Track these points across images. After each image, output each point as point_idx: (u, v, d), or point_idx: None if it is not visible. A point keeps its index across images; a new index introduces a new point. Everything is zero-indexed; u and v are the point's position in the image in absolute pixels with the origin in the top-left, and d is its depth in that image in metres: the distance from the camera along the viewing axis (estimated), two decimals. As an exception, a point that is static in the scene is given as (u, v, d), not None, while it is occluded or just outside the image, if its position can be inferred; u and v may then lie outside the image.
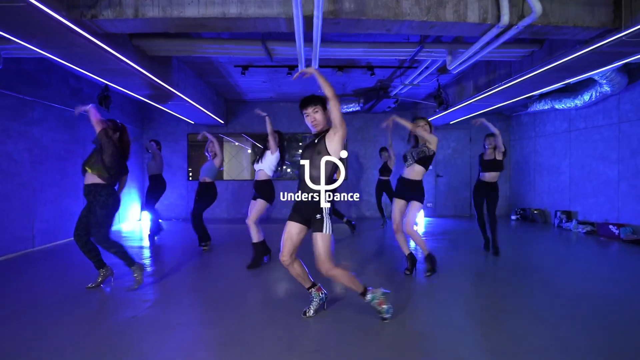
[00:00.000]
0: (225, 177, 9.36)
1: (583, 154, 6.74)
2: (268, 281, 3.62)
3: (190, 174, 8.84)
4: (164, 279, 3.63)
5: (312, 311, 2.63)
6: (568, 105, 6.58)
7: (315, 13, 2.85)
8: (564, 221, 6.93)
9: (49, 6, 2.66)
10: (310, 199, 2.42)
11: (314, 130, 2.50)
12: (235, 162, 11.71)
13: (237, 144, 11.51)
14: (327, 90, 2.34)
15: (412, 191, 3.64)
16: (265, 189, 4.05)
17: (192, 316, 2.74)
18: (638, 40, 3.27)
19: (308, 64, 4.42)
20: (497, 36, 3.40)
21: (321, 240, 2.38)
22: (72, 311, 2.80)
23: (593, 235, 6.08)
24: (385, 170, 6.83)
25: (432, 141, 3.59)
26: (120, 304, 2.98)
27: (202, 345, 2.28)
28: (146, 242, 5.66)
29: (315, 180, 2.42)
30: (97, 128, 3.15)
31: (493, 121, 8.70)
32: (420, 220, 7.93)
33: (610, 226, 5.81)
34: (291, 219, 2.52)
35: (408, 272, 3.70)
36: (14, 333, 2.43)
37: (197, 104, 6.22)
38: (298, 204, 2.49)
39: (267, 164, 4.06)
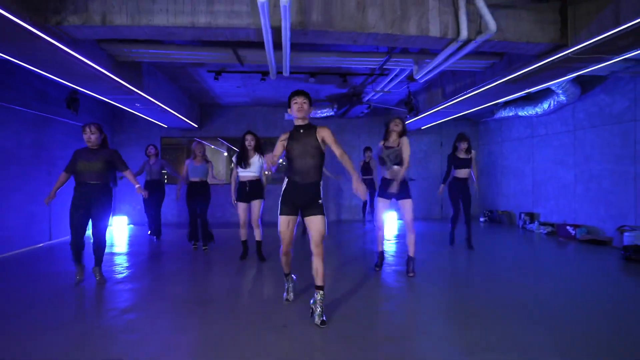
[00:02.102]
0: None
1: (544, 158, 7.15)
2: (247, 285, 3.66)
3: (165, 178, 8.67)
4: (143, 285, 3.59)
5: (292, 295, 3.07)
6: (530, 112, 6.96)
7: (282, 24, 2.93)
8: (527, 222, 7.31)
9: (10, 11, 2.61)
10: (313, 186, 2.64)
11: (296, 116, 2.67)
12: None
13: (212, 147, 11.39)
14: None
15: (400, 191, 3.83)
16: (259, 189, 4.46)
17: (168, 322, 2.74)
18: (584, 57, 3.55)
19: (279, 71, 4.49)
20: (459, 49, 3.59)
21: (322, 221, 2.64)
22: (40, 318, 2.74)
23: (553, 236, 6.46)
24: (367, 169, 7.13)
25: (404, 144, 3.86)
26: (92, 310, 2.94)
27: (176, 351, 2.30)
28: (121, 248, 5.55)
29: (317, 168, 2.64)
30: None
31: (462, 126, 9.24)
32: (392, 222, 8.14)
33: (568, 227, 6.18)
34: (286, 212, 2.69)
35: (378, 269, 4.02)
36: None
37: (170, 108, 6.16)
38: (295, 193, 2.65)
39: (257, 167, 4.44)
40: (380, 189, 4.00)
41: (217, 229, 7.48)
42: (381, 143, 3.99)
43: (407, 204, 3.85)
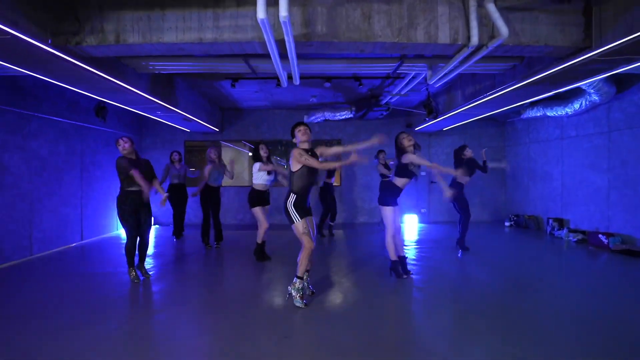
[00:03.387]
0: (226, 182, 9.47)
1: (574, 162, 6.73)
2: (269, 291, 3.74)
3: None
4: (164, 287, 3.78)
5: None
6: (559, 112, 6.58)
7: (286, 38, 2.95)
8: (555, 229, 6.93)
9: (33, 37, 2.80)
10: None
11: (301, 139, 3.32)
12: (237, 167, 11.83)
13: (237, 148, 11.64)
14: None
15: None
16: (266, 197, 4.95)
17: (191, 323, 2.86)
18: (610, 59, 3.30)
19: (290, 77, 4.52)
20: (471, 55, 3.46)
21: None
22: (67, 317, 2.94)
23: (583, 244, 6.08)
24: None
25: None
26: (118, 312, 3.13)
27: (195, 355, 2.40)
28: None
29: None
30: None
31: (487, 126, 8.89)
32: (412, 226, 7.98)
33: (600, 235, 5.80)
34: (304, 215, 3.28)
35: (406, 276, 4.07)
36: (20, 337, 2.60)
37: (190, 115, 6.37)
38: (305, 202, 3.30)
39: (268, 178, 4.87)
40: (393, 197, 3.93)
41: (236, 231, 7.68)
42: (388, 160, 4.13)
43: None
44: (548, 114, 6.84)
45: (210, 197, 5.67)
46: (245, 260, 5.01)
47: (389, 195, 3.91)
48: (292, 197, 3.23)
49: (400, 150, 3.92)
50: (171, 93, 5.59)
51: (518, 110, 7.57)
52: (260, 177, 4.75)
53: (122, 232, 7.64)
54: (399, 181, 3.87)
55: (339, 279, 4.08)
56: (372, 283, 3.94)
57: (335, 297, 3.49)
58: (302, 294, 3.22)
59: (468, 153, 5.38)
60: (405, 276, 4.01)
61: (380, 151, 7.11)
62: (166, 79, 5.46)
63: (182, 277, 4.24)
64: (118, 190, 3.92)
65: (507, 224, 8.30)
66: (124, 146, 3.86)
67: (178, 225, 6.67)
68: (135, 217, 3.87)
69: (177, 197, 6.50)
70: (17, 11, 2.65)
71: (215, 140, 8.89)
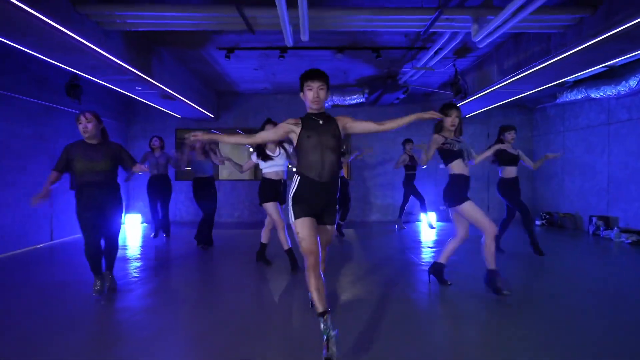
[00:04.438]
0: (220, 177, 8.57)
1: (626, 150, 5.77)
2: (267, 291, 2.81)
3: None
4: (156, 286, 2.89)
5: (334, 349, 1.79)
6: (608, 93, 5.61)
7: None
8: (601, 228, 5.98)
9: None
10: (333, 185, 2.17)
11: (310, 107, 2.18)
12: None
13: (227, 156, 10.71)
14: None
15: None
16: (280, 189, 3.84)
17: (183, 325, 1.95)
18: None
19: (296, 38, 3.58)
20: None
21: (332, 230, 2.31)
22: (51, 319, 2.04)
23: (640, 246, 5.13)
24: (411, 163, 6.35)
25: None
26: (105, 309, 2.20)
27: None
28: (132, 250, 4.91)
29: (335, 165, 2.15)
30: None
31: (513, 114, 7.91)
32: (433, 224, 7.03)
33: (664, 236, 4.86)
34: (304, 214, 2.10)
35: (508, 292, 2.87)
36: None
37: (177, 93, 5.44)
38: (312, 192, 2.12)
39: (283, 160, 3.85)
40: (461, 193, 2.96)
41: (231, 230, 6.76)
42: (440, 139, 3.00)
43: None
44: (592, 95, 5.88)
45: (198, 190, 4.78)
46: (240, 269, 4.07)
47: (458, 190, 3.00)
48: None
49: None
50: (152, 63, 4.66)
51: (554, 93, 6.62)
52: (267, 165, 3.73)
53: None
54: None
55: (357, 288, 3.15)
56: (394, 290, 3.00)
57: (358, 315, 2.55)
58: (327, 340, 1.82)
59: (509, 137, 4.21)
60: (505, 292, 2.83)
61: (408, 140, 6.25)
62: (146, 46, 4.54)
63: (152, 291, 3.29)
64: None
65: (538, 222, 7.34)
66: (85, 126, 2.87)
67: (166, 223, 5.78)
68: (96, 213, 2.90)
69: (155, 189, 5.56)
70: None
71: (209, 128, 7.95)
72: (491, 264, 2.90)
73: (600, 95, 5.77)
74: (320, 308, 1.88)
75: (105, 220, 2.98)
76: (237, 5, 3.13)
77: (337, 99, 6.82)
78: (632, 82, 5.21)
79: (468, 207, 2.90)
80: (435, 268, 3.24)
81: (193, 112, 6.98)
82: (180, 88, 5.59)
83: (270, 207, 3.70)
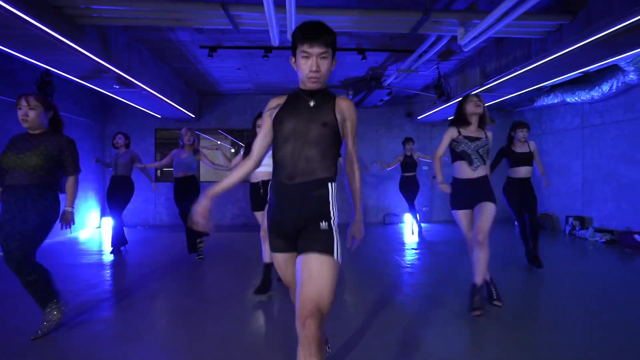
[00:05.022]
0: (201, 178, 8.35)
1: (599, 152, 6.01)
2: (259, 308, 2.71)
3: (159, 174, 7.84)
4: (130, 302, 2.69)
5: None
6: (582, 98, 5.83)
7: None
8: (577, 228, 6.20)
9: None
10: (317, 188, 1.42)
11: (303, 82, 1.49)
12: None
13: (218, 142, 10.50)
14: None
15: (484, 193, 2.67)
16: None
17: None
18: None
19: (283, 38, 3.52)
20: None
21: (324, 266, 1.32)
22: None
23: (614, 246, 5.34)
24: (409, 165, 5.90)
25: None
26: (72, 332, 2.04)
27: None
28: (108, 256, 4.68)
29: (327, 160, 1.45)
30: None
31: (493, 117, 7.93)
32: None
33: (636, 235, 5.06)
34: (278, 248, 1.49)
35: (498, 303, 2.78)
36: None
37: (157, 93, 5.26)
38: (282, 208, 1.44)
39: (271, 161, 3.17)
40: (455, 198, 2.76)
41: (221, 232, 6.60)
42: (453, 132, 2.73)
43: (487, 207, 2.62)
44: (568, 100, 6.10)
45: (178, 191, 4.35)
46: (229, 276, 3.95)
47: (453, 194, 2.80)
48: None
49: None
50: (131, 61, 4.48)
51: (532, 97, 6.83)
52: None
53: (80, 235, 6.42)
54: None
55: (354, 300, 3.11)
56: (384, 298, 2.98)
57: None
58: None
59: (521, 135, 3.86)
60: (476, 312, 2.59)
61: (408, 140, 5.96)
62: (125, 44, 4.36)
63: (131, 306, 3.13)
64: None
65: (517, 223, 7.52)
66: (26, 112, 2.28)
67: (117, 233, 4.81)
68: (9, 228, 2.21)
69: (115, 193, 4.75)
70: None
71: (189, 128, 7.73)
72: (476, 277, 2.65)
73: (576, 100, 5.98)
74: None
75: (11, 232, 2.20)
76: (224, 5, 3.03)
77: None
78: (605, 88, 5.43)
79: (457, 216, 2.76)
80: (475, 291, 2.68)
81: (173, 112, 6.78)
82: (161, 86, 5.40)
83: (259, 216, 3.16)
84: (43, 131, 2.39)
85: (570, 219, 6.37)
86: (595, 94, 5.63)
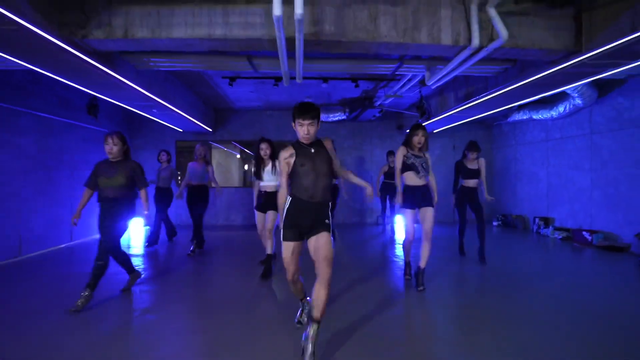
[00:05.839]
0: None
1: (559, 162, 7.04)
2: (261, 290, 3.75)
3: (180, 181, 8.90)
4: (157, 287, 3.73)
5: (305, 318, 2.76)
6: (544, 116, 6.88)
7: (297, 36, 3.01)
8: (542, 227, 7.21)
9: (41, 27, 2.77)
10: (323, 205, 2.36)
11: (302, 139, 2.37)
12: (224, 169, 11.77)
13: (225, 149, 11.57)
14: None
15: (426, 199, 3.69)
16: (272, 200, 4.16)
17: (184, 324, 2.85)
18: (598, 62, 3.52)
19: (292, 77, 4.58)
20: (471, 56, 3.61)
21: (327, 238, 2.33)
22: (65, 318, 2.89)
23: (568, 242, 6.35)
24: (392, 174, 7.03)
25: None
26: (113, 312, 3.08)
27: (192, 352, 2.40)
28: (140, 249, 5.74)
29: (329, 187, 2.39)
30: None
31: (475, 129, 9.17)
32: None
33: (584, 232, 6.08)
34: (291, 238, 2.37)
35: (409, 277, 3.94)
36: (13, 338, 2.53)
37: (185, 114, 6.32)
38: (302, 213, 2.34)
39: (273, 176, 4.22)
40: (405, 200, 3.70)
41: (217, 232, 7.64)
42: (404, 150, 3.74)
43: (431, 211, 3.68)
44: (534, 117, 7.14)
45: (189, 196, 5.36)
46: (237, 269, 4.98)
47: (405, 197, 3.77)
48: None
49: None
50: (168, 91, 5.54)
51: (506, 114, 7.86)
52: (263, 181, 4.25)
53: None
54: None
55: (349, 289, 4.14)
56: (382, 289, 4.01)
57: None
58: (301, 311, 2.81)
59: (470, 156, 4.89)
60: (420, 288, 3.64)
61: (391, 152, 7.10)
62: (164, 76, 5.42)
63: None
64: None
65: (495, 223, 8.56)
66: (111, 148, 3.24)
67: (169, 228, 6.36)
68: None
69: (159, 201, 5.94)
70: (24, 1, 2.62)
71: (205, 140, 8.82)
72: (421, 262, 3.68)
73: (540, 117, 7.03)
74: (298, 297, 2.72)
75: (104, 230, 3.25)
76: (248, 56, 4.10)
77: (322, 116, 7.83)
78: (561, 109, 6.48)
79: (405, 214, 3.69)
80: (419, 272, 3.70)
81: (193, 127, 7.85)
82: (187, 108, 6.47)
83: (256, 214, 4.23)
84: (120, 159, 3.35)
85: (537, 219, 7.39)
86: (554, 113, 6.67)
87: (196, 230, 5.35)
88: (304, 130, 2.30)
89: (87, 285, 3.19)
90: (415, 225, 3.77)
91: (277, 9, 2.62)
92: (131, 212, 3.40)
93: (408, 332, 2.78)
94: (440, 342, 2.54)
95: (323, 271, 2.26)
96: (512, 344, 2.48)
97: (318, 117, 2.35)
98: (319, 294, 2.25)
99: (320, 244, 2.30)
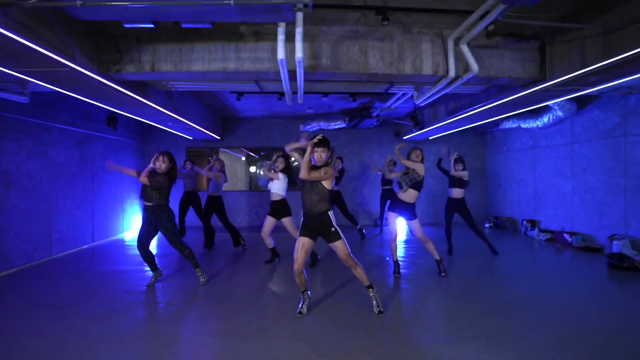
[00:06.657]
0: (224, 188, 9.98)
1: (545, 169, 7.52)
2: (268, 286, 4.30)
3: (189, 185, 9.47)
4: (176, 282, 4.30)
5: (305, 309, 3.31)
6: (532, 125, 7.35)
7: (297, 70, 3.55)
8: (529, 229, 7.70)
9: (85, 68, 3.33)
10: (322, 215, 3.07)
11: (314, 163, 3.07)
12: (230, 173, 12.32)
13: (230, 152, 12.11)
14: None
15: (406, 211, 4.37)
16: (277, 208, 4.88)
17: (201, 313, 3.41)
18: (561, 88, 4.02)
19: (294, 98, 5.12)
20: (450, 84, 4.13)
21: (341, 245, 3.11)
22: (95, 310, 3.46)
23: (552, 243, 6.85)
24: (388, 180, 7.66)
25: (419, 169, 4.30)
26: (140, 303, 3.65)
27: (210, 335, 2.96)
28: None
29: (320, 200, 3.06)
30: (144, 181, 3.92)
31: (469, 136, 9.69)
32: (401, 229, 8.64)
33: (565, 234, 6.57)
34: (303, 235, 3.12)
35: (397, 275, 4.50)
36: (46, 330, 3.10)
37: (196, 125, 6.89)
38: (310, 222, 3.10)
39: (277, 186, 4.85)
40: (392, 205, 4.54)
41: (226, 233, 8.20)
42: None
43: (411, 224, 4.44)
44: (522, 125, 7.62)
45: (214, 206, 6.14)
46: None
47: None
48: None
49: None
50: (182, 106, 6.11)
51: (496, 122, 8.34)
52: (270, 187, 4.91)
53: (126, 235, 8.06)
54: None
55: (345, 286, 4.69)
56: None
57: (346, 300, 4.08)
58: (303, 302, 3.36)
59: (454, 167, 5.66)
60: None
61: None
62: (179, 93, 5.98)
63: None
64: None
65: (486, 225, 9.06)
66: (160, 165, 3.91)
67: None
68: (148, 229, 4.07)
69: (185, 204, 6.75)
70: (74, 47, 3.18)
71: (214, 147, 9.40)
72: (435, 256, 4.54)
73: (528, 126, 7.50)
74: (301, 289, 3.32)
75: (164, 234, 4.09)
76: (256, 80, 4.65)
77: (323, 124, 8.36)
78: (545, 119, 6.96)
79: (389, 217, 4.51)
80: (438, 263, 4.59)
81: (203, 135, 8.42)
82: (198, 119, 7.04)
83: (268, 219, 4.91)
84: (163, 172, 4.00)
85: (525, 222, 7.88)
86: (539, 122, 7.15)
87: (230, 231, 6.18)
88: (317, 155, 3.06)
89: (193, 265, 4.22)
90: (396, 228, 4.49)
91: (280, 54, 3.16)
92: (173, 213, 4.11)
93: (392, 320, 3.31)
94: (422, 328, 3.08)
95: (347, 264, 3.20)
96: (488, 331, 3.00)
97: (329, 147, 3.11)
98: (356, 274, 3.25)
99: (338, 250, 3.16)
